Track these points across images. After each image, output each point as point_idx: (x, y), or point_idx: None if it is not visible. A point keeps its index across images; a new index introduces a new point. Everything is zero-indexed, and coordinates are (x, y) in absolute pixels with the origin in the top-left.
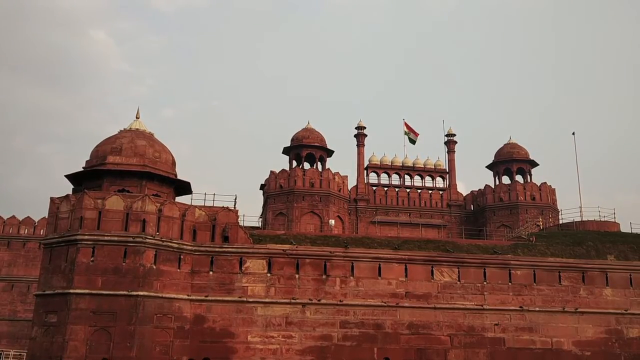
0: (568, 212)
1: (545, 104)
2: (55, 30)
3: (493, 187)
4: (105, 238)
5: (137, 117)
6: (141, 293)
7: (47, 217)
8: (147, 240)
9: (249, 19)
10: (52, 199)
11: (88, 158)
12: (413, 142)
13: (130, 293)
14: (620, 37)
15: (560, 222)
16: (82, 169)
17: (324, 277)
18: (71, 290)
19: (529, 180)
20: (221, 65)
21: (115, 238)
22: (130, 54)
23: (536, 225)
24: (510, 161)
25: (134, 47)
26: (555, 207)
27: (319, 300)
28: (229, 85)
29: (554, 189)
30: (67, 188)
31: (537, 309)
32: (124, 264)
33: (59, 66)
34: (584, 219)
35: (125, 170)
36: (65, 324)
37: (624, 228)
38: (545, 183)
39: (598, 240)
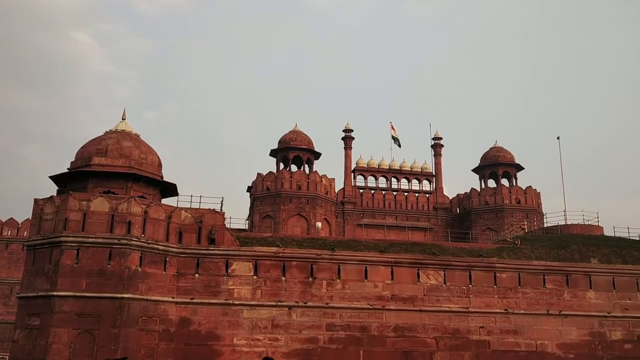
0: (553, 216)
1: (530, 108)
2: (38, 31)
3: (479, 190)
4: (90, 240)
5: (123, 119)
6: (126, 295)
7: (30, 218)
8: (133, 242)
9: (232, 22)
10: (36, 200)
11: (72, 159)
12: (399, 144)
13: (115, 295)
14: (604, 43)
15: (545, 225)
16: (67, 170)
17: (310, 279)
18: (55, 293)
19: (514, 184)
20: (205, 68)
21: (100, 240)
22: (113, 55)
23: (521, 228)
24: (496, 165)
25: (116, 49)
26: (540, 210)
27: (305, 303)
28: (213, 88)
29: (539, 192)
30: (52, 189)
31: (522, 311)
32: (108, 266)
33: (41, 67)
34: (568, 223)
35: (110, 172)
36: (48, 327)
37: (608, 232)
38: (530, 187)
39: (582, 243)
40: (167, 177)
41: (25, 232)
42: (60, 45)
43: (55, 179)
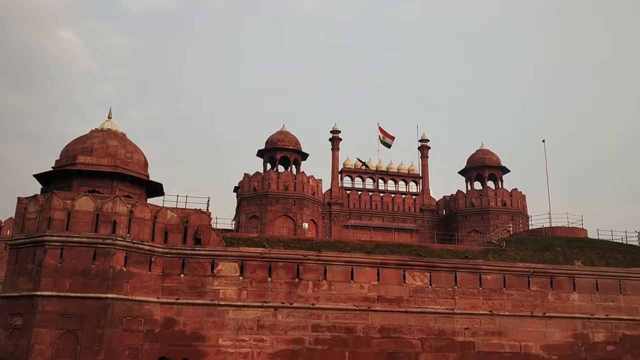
0: (538, 218)
1: (516, 111)
2: (23, 29)
3: (465, 192)
4: (74, 239)
5: (109, 117)
6: (110, 295)
7: (14, 217)
8: (118, 242)
9: (219, 22)
10: (19, 199)
11: (56, 158)
12: (389, 146)
13: (99, 296)
14: (591, 47)
15: (530, 227)
16: (52, 169)
17: (296, 280)
18: (38, 293)
19: (500, 187)
20: (192, 67)
21: (85, 239)
22: (99, 54)
23: (506, 230)
24: (482, 167)
25: (102, 48)
26: (526, 213)
27: (291, 304)
28: (200, 87)
29: (525, 195)
30: (36, 188)
31: (507, 313)
32: (93, 265)
33: (25, 65)
34: (552, 225)
35: (96, 171)
36: (30, 327)
37: (591, 234)
38: (516, 189)
39: (566, 246)
40: (153, 176)
41: (9, 231)
42: (45, 42)
43: (40, 177)
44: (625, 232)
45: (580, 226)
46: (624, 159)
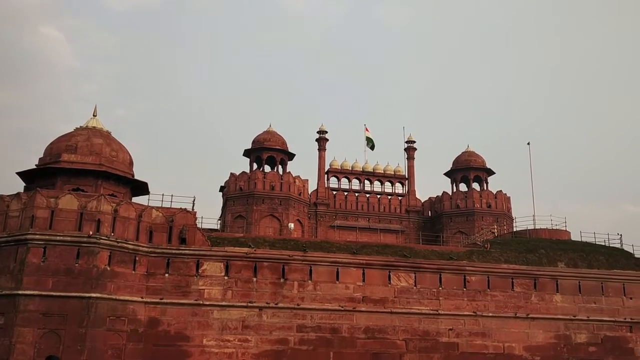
0: (522, 220)
1: (502, 114)
2: (4, 25)
3: (450, 194)
4: (58, 238)
5: (94, 115)
6: (94, 295)
7: None
8: (102, 241)
9: (204, 20)
10: (1, 197)
11: (39, 155)
12: (372, 147)
13: (83, 295)
14: (576, 51)
15: (515, 229)
16: (35, 167)
17: (282, 280)
18: (20, 292)
19: (485, 188)
20: (177, 65)
21: (68, 238)
22: (82, 51)
23: (491, 232)
24: (468, 169)
25: (85, 45)
26: (510, 214)
27: (276, 304)
28: (185, 86)
29: (509, 197)
30: (19, 186)
31: (490, 314)
32: (76, 265)
33: (7, 62)
34: (536, 227)
35: (80, 169)
36: (12, 326)
37: (575, 236)
38: (500, 191)
39: (549, 247)
40: (139, 175)
41: None
42: (27, 39)
43: (23, 175)
44: (608, 234)
45: (564, 228)
46: (607, 162)
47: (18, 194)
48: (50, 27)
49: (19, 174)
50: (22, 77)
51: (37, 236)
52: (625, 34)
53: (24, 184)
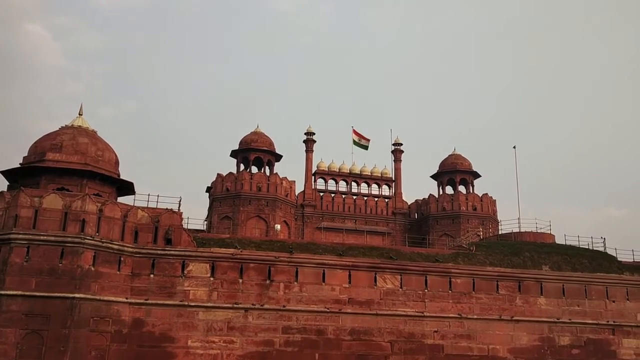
0: (507, 223)
1: (488, 117)
2: None
3: (437, 196)
4: (41, 238)
5: (80, 114)
6: (77, 295)
7: None
8: (86, 240)
9: (190, 19)
10: None
11: (24, 154)
12: (366, 147)
13: (66, 295)
14: (563, 55)
15: (500, 232)
16: (19, 165)
17: (267, 282)
18: (2, 292)
19: (471, 191)
20: (164, 65)
21: (52, 238)
22: (68, 49)
23: (477, 235)
24: (454, 172)
25: (72, 43)
26: (496, 217)
27: (262, 305)
28: (173, 85)
29: (495, 200)
30: (2, 185)
31: (475, 316)
32: (60, 265)
33: None
34: (521, 230)
35: (65, 168)
36: None
37: (559, 240)
38: (486, 194)
39: (534, 250)
40: (124, 175)
41: None
42: (12, 37)
43: (7, 174)
44: (592, 238)
45: (548, 232)
46: (591, 167)
47: (1, 192)
48: (36, 25)
49: (2, 172)
50: (7, 75)
51: (21, 236)
52: (610, 40)
53: (8, 183)
